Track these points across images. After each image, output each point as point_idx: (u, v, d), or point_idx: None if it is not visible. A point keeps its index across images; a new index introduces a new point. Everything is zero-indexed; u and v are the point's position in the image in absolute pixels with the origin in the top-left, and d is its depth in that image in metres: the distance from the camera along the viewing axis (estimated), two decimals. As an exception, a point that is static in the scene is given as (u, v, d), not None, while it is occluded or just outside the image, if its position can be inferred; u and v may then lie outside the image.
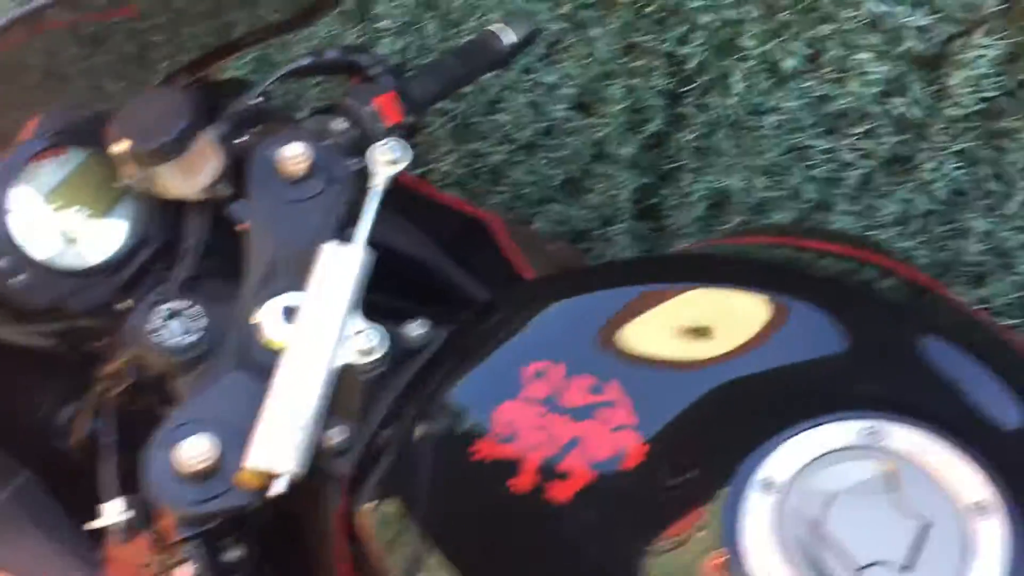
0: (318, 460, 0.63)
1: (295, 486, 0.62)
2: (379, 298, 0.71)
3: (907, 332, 0.54)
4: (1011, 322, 0.98)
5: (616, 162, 1.15)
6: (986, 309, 0.98)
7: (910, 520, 0.45)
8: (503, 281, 0.85)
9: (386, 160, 0.70)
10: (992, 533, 0.44)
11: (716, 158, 1.09)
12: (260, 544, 0.68)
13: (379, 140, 0.71)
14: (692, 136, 1.09)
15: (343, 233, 0.68)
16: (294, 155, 0.69)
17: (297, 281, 0.66)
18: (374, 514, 0.58)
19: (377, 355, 0.62)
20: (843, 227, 1.03)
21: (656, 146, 1.14)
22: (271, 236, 0.68)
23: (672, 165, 1.12)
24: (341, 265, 0.65)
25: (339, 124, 0.76)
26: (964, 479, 0.46)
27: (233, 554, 0.62)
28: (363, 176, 0.70)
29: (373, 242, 0.70)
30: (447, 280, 0.86)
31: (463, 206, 0.94)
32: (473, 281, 0.85)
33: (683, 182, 1.13)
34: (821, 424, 0.50)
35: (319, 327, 0.63)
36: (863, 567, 0.45)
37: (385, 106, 0.78)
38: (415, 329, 0.67)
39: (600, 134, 1.14)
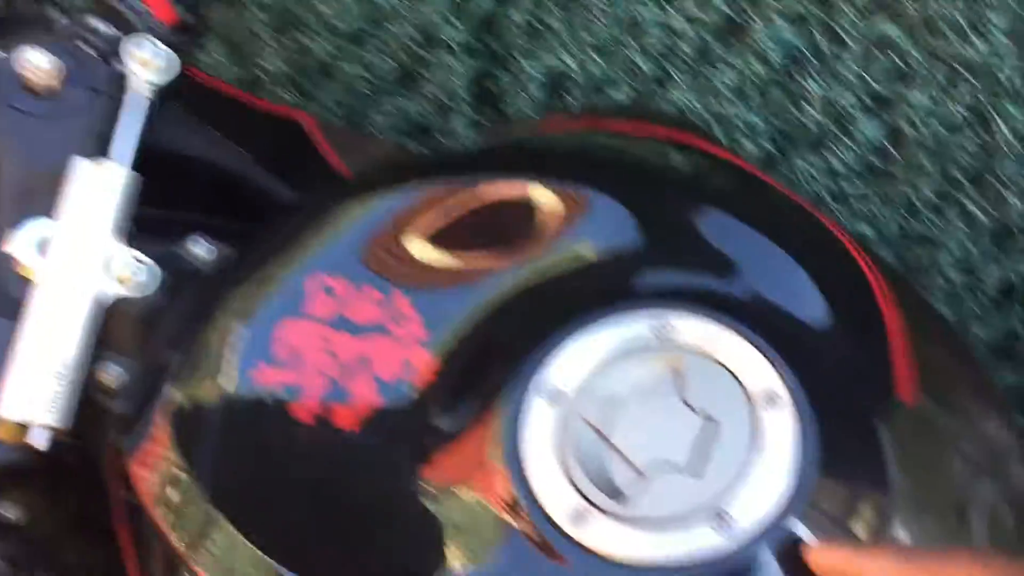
0: (95, 402, 0.58)
1: (76, 433, 0.56)
2: (167, 214, 0.64)
3: (704, 219, 0.50)
4: (853, 190, 0.96)
5: (448, 48, 1.08)
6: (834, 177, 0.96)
7: (696, 418, 0.42)
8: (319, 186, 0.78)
9: (146, 64, 0.62)
10: (781, 424, 0.42)
11: (549, 38, 1.03)
12: (55, 498, 0.62)
13: (142, 41, 0.63)
14: (522, 15, 1.03)
15: (104, 146, 0.61)
16: (39, 64, 0.61)
17: (52, 206, 0.59)
18: (146, 456, 0.53)
19: (148, 288, 0.56)
20: (683, 101, 0.99)
21: (488, 28, 1.07)
22: (19, 157, 0.60)
23: (506, 48, 1.06)
24: (98, 186, 0.58)
25: (101, 25, 0.68)
26: (754, 369, 0.43)
27: (10, 514, 0.57)
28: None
29: (166, 151, 0.63)
30: (255, 188, 0.79)
31: (273, 107, 0.87)
32: (285, 188, 0.79)
33: (518, 65, 1.07)
34: (607, 323, 0.46)
35: (75, 257, 0.56)
36: (647, 473, 0.42)
37: (153, 3, 0.69)
38: (195, 248, 0.61)
39: (428, 19, 1.07)
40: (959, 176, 0.90)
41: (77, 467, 0.65)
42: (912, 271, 0.91)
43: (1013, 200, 0.88)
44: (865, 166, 0.92)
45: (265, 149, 0.80)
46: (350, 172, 0.80)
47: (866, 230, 0.92)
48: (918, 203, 0.92)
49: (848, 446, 0.42)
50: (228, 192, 0.77)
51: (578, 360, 0.45)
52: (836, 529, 0.41)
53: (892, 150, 0.91)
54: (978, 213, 0.90)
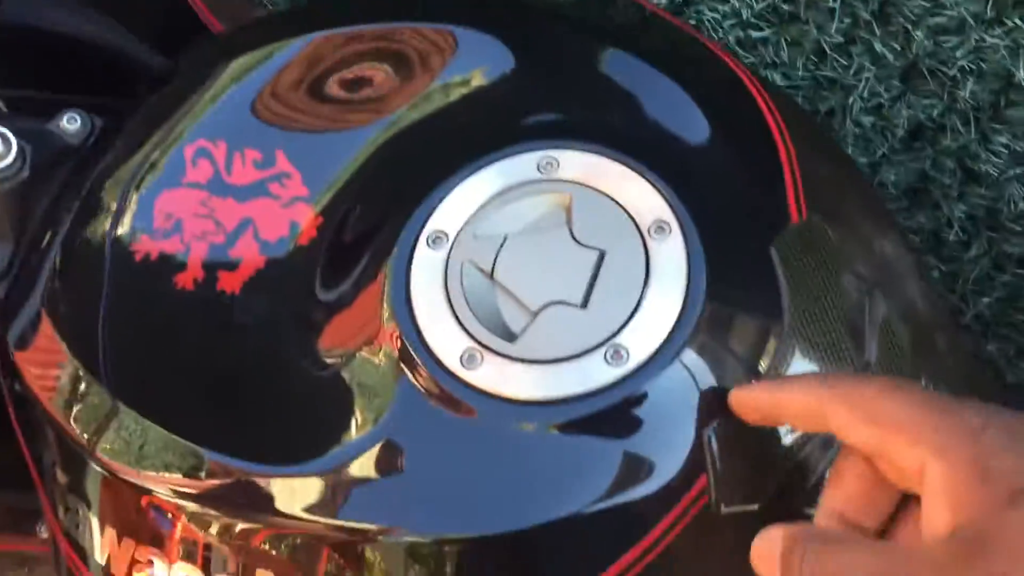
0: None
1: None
2: (41, 95, 0.60)
3: (589, 52, 0.48)
4: (760, 36, 0.94)
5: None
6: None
7: (585, 251, 0.41)
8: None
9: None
10: (671, 252, 0.41)
11: None
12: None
13: None
14: None
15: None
16: None
17: None
18: (25, 344, 0.50)
19: (6, 160, 0.53)
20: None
21: None
22: None
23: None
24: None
25: None
26: (642, 200, 0.42)
27: None
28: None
29: (43, 30, 0.59)
30: (137, 64, 0.75)
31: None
32: (155, 54, 0.74)
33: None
34: (489, 163, 0.44)
35: (-74, 135, 0.52)
36: (536, 311, 0.40)
37: None
38: (67, 125, 0.57)
39: None
40: (866, 15, 0.88)
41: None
42: (823, 116, 0.90)
43: (921, 38, 0.87)
44: (772, 9, 0.90)
45: (147, 23, 0.75)
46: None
47: (776, 77, 0.90)
48: (826, 46, 0.90)
49: (740, 272, 0.41)
50: (110, 70, 0.72)
51: (463, 202, 0.43)
52: (730, 356, 0.40)
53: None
54: (886, 53, 0.89)
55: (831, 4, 0.88)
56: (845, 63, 0.90)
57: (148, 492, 0.45)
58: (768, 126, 0.44)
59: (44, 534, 0.62)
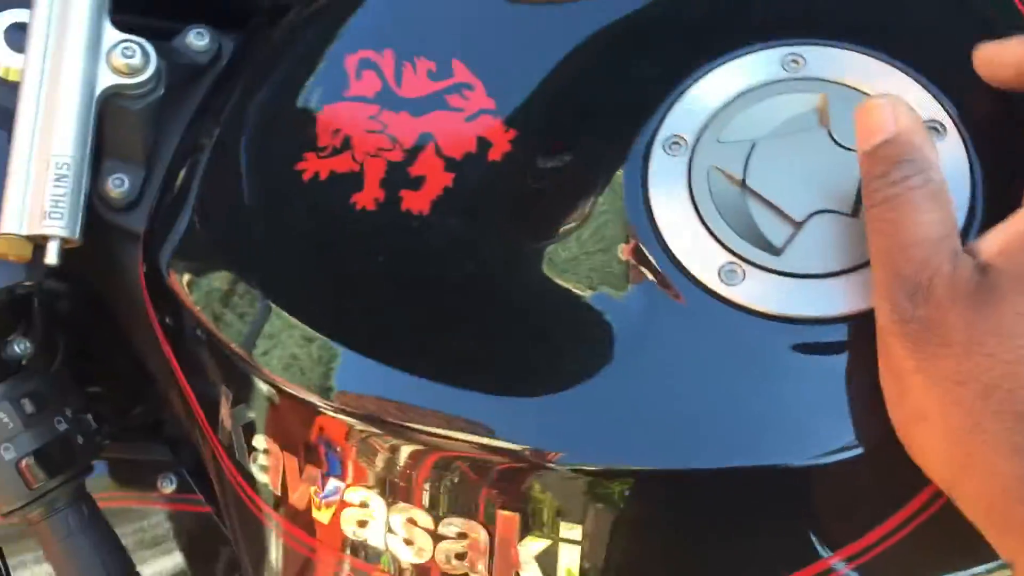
0: (104, 220, 0.50)
1: (82, 254, 0.49)
2: (140, 21, 0.55)
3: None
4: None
5: None
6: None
7: (850, 155, 0.36)
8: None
9: None
10: (950, 154, 0.36)
11: None
12: (63, 328, 0.55)
13: None
14: None
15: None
16: None
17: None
18: (182, 271, 0.46)
19: (145, 74, 0.48)
20: None
21: None
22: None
23: None
24: (76, -40, 0.48)
25: None
26: (910, 99, 0.37)
27: (17, 348, 0.49)
28: None
29: None
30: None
31: None
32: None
33: None
34: (726, 61, 0.39)
35: (60, 45, 0.47)
36: (802, 221, 0.36)
37: None
38: (194, 40, 0.52)
39: None
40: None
41: (73, 312, 0.58)
42: None
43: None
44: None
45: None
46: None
47: None
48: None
49: (1015, 175, 0.37)
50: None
51: (699, 105, 0.39)
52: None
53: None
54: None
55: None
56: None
57: (319, 411, 0.41)
58: (1028, 21, 0.40)
59: (167, 489, 0.58)
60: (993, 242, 0.32)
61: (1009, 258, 0.32)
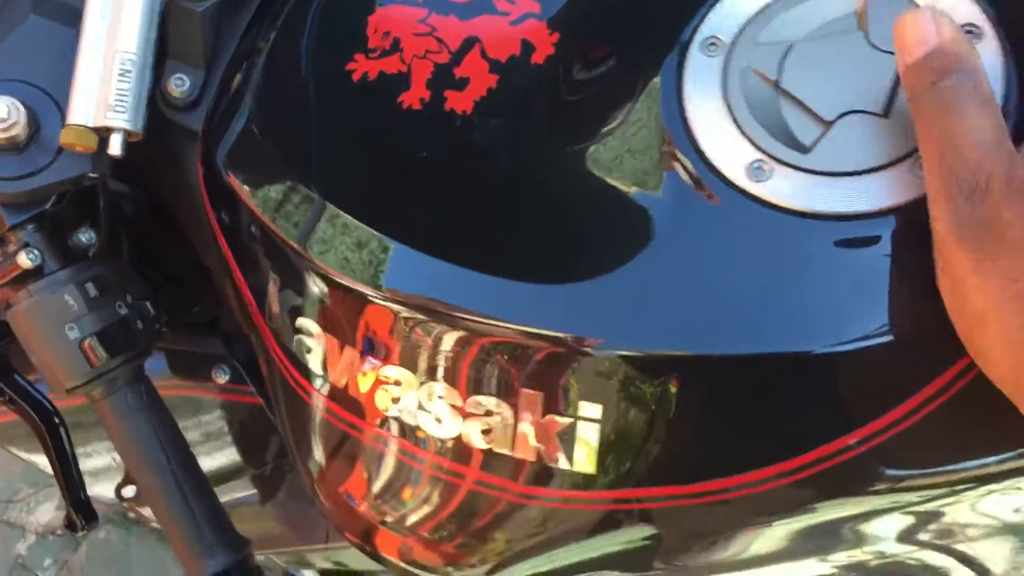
0: (165, 117, 0.52)
1: (143, 153, 0.51)
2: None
3: None
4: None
5: None
6: None
7: (884, 57, 0.37)
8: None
9: None
10: (985, 56, 0.37)
11: None
12: (126, 228, 0.58)
13: None
14: None
15: None
16: None
17: None
18: (239, 168, 0.48)
19: (204, -27, 0.50)
20: None
21: None
22: None
23: None
24: None
25: None
26: (946, 2, 0.38)
27: (84, 237, 0.52)
28: None
29: None
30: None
31: None
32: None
33: None
34: (768, -38, 0.40)
35: (127, -54, 0.49)
36: (832, 121, 0.37)
37: None
38: (255, -52, 0.54)
39: None
40: None
41: (135, 213, 0.60)
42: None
43: None
44: None
45: None
46: None
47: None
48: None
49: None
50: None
51: (737, 6, 0.40)
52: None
53: None
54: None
55: None
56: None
57: (366, 298, 0.43)
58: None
59: (220, 379, 0.61)
60: None
61: None
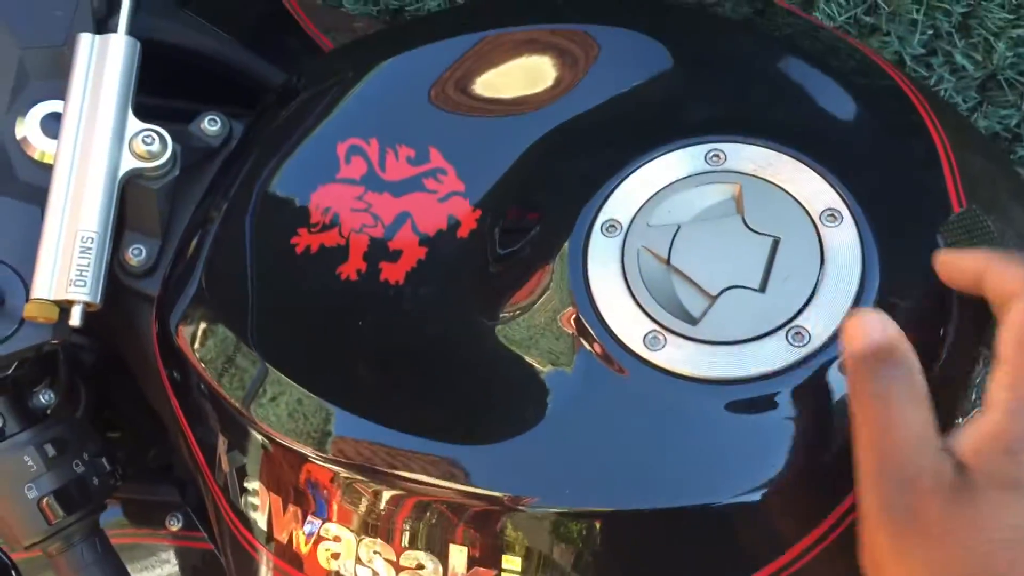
0: (123, 284, 0.56)
1: (103, 314, 0.55)
2: (161, 102, 0.62)
3: (740, 47, 0.50)
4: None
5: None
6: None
7: (759, 238, 0.43)
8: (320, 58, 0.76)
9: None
10: (844, 239, 0.42)
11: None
12: (85, 378, 0.61)
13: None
14: None
15: (101, 26, 0.58)
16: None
17: (55, 86, 0.57)
18: (190, 331, 0.52)
19: (162, 159, 0.54)
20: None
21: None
22: (12, 37, 0.58)
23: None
24: (103, 59, 0.55)
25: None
26: (812, 189, 0.43)
27: (43, 398, 0.56)
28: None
29: (151, 40, 0.61)
30: (244, 71, 0.77)
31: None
32: (274, 69, 0.77)
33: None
34: (657, 155, 0.46)
35: (89, 134, 0.54)
36: (716, 295, 0.42)
37: None
38: (207, 126, 0.59)
39: None
40: (948, 27, 0.90)
41: (94, 365, 0.64)
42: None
43: (1002, 50, 0.89)
44: (853, 21, 0.92)
45: (249, 31, 0.77)
46: (332, 47, 0.78)
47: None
48: (906, 57, 0.92)
49: (909, 258, 0.42)
50: (219, 80, 0.75)
51: (634, 193, 0.45)
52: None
53: (881, 2, 0.91)
54: (966, 64, 0.91)
55: (914, 16, 0.90)
56: (925, 74, 0.92)
57: (306, 459, 0.46)
58: (922, 118, 0.46)
59: (174, 527, 0.64)
60: (967, 441, 0.36)
61: (982, 458, 0.35)
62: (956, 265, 0.40)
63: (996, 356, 0.37)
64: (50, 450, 0.53)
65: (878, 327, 0.38)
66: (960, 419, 0.41)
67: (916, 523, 0.35)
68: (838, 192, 0.43)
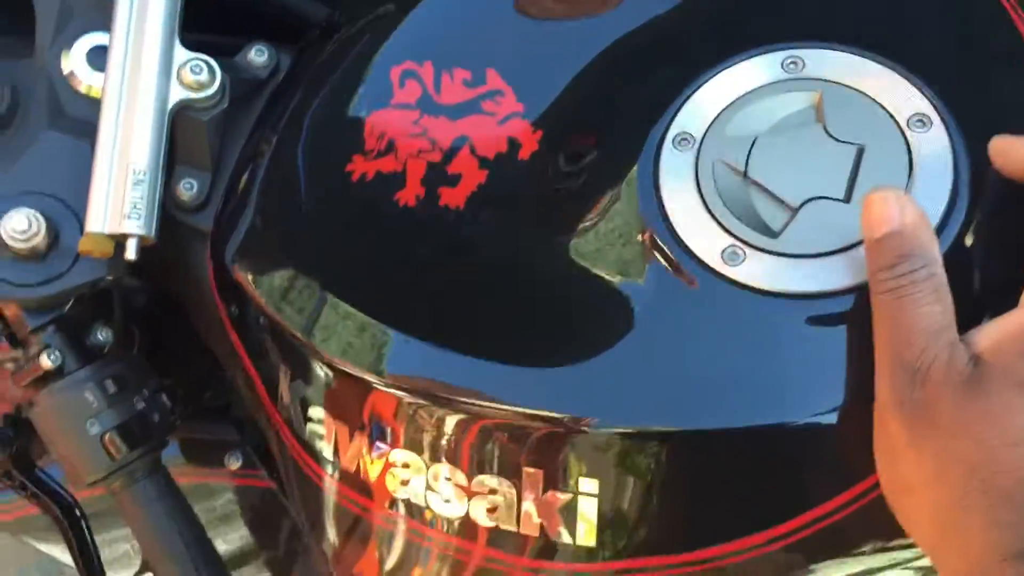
0: (176, 219, 0.55)
1: (156, 253, 0.54)
2: (205, 38, 0.60)
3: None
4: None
5: None
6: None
7: (842, 147, 0.40)
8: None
9: None
10: (934, 145, 0.40)
11: None
12: (139, 321, 0.61)
13: None
14: None
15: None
16: None
17: (99, 17, 0.55)
18: (247, 266, 0.51)
19: (212, 88, 0.53)
20: None
21: None
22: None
23: None
24: (148, -13, 0.54)
25: None
26: (897, 94, 0.41)
27: (100, 335, 0.55)
28: None
29: None
30: (287, 6, 0.75)
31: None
32: (317, 4, 0.75)
33: None
34: (731, 64, 0.43)
35: (136, 65, 0.52)
36: (798, 207, 0.40)
37: None
38: (254, 57, 0.58)
39: None
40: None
41: (148, 307, 0.63)
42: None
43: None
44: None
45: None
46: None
47: None
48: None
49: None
50: (261, 17, 0.73)
51: (707, 104, 0.43)
52: (996, 252, 0.39)
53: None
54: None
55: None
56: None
57: (371, 387, 0.45)
58: (1014, 21, 0.43)
59: (233, 465, 0.64)
60: (987, 336, 0.36)
61: (999, 354, 0.35)
62: (1012, 152, 0.38)
63: None
64: (110, 386, 0.53)
65: (895, 213, 0.37)
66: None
67: (927, 414, 0.35)
68: (926, 96, 0.41)
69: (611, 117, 0.46)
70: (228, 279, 0.52)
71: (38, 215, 0.51)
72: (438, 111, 0.50)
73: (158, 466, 0.54)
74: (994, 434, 0.34)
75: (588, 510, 0.41)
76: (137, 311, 0.62)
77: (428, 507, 0.45)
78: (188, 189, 0.55)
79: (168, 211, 0.55)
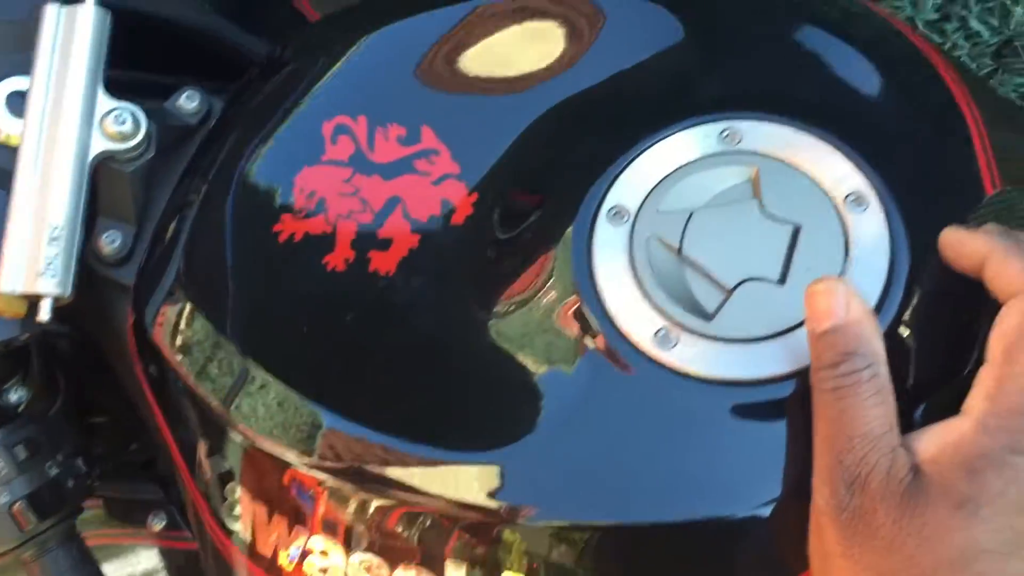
0: (97, 274, 0.53)
1: (79, 308, 0.52)
2: (136, 76, 0.58)
3: (756, 16, 0.46)
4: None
5: None
6: None
7: (778, 226, 0.39)
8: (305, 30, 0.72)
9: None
10: (871, 226, 0.39)
11: None
12: (64, 365, 0.58)
13: None
14: None
15: (72, -7, 0.55)
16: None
17: (20, 59, 0.53)
18: (166, 325, 0.49)
19: (136, 139, 0.51)
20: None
21: None
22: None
23: None
24: (71, 31, 0.52)
25: None
26: (834, 171, 0.40)
27: (13, 396, 0.53)
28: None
29: (124, 10, 0.57)
30: (224, 42, 0.73)
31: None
32: (256, 40, 0.73)
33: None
34: (668, 135, 0.42)
35: (56, 113, 0.50)
36: (732, 288, 0.39)
37: None
38: (185, 103, 0.55)
39: None
40: (963, -10, 0.86)
41: (72, 352, 0.61)
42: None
43: (1020, 14, 0.85)
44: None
45: (246, 10, 0.73)
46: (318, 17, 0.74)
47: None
48: (919, 23, 0.88)
49: (930, 244, 0.39)
50: (198, 53, 0.71)
51: (642, 176, 0.42)
52: (932, 332, 0.39)
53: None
54: (981, 30, 0.87)
55: (928, -21, 0.87)
56: (939, 40, 0.89)
57: (289, 465, 0.43)
58: (953, 95, 0.43)
59: (157, 526, 0.61)
60: (929, 445, 0.34)
61: (939, 467, 0.33)
62: (960, 247, 0.37)
63: (986, 355, 0.34)
64: (21, 452, 0.50)
65: (840, 306, 0.35)
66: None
67: (864, 525, 0.34)
68: (864, 175, 0.40)
69: (547, 184, 0.44)
70: (147, 338, 0.49)
71: (-54, 272, 0.49)
72: (371, 170, 0.49)
73: (72, 534, 0.52)
74: (927, 553, 0.33)
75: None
76: (61, 356, 0.60)
77: (347, 595, 0.43)
78: (110, 243, 0.53)
79: (89, 264, 0.53)
